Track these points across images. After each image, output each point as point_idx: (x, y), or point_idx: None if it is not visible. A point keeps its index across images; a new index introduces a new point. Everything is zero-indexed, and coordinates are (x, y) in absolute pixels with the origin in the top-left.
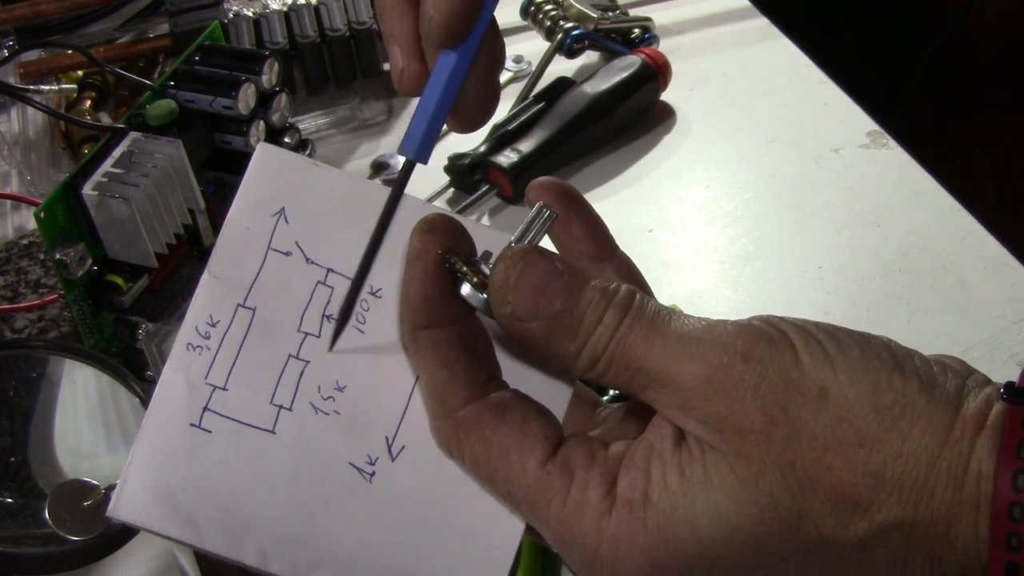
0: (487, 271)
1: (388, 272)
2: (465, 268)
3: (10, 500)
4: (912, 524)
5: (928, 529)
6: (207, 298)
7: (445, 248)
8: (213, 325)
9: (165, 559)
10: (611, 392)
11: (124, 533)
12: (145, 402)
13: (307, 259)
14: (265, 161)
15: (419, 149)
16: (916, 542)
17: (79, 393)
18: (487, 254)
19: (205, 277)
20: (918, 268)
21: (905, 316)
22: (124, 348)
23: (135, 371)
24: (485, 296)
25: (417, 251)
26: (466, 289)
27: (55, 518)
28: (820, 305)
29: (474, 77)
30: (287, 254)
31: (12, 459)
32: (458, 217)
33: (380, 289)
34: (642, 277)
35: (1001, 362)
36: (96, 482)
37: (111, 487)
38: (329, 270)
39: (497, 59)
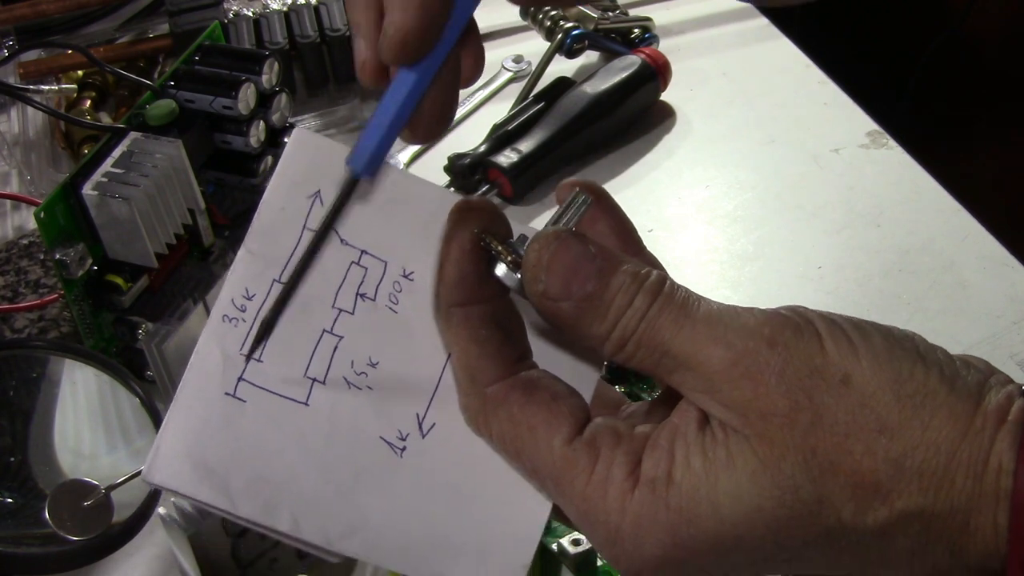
0: (522, 252)
1: (421, 255)
2: (500, 248)
3: (10, 500)
4: (932, 513)
5: (948, 518)
6: (243, 272)
7: (482, 228)
8: (249, 298)
9: (165, 559)
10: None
11: (124, 533)
12: (145, 402)
13: (342, 240)
14: (301, 146)
15: (367, 164)
16: (936, 531)
17: (79, 393)
18: (523, 237)
19: (242, 252)
20: (918, 268)
21: (905, 316)
22: (124, 348)
23: (135, 371)
24: (519, 276)
25: (454, 229)
26: (500, 269)
27: (55, 518)
28: (820, 305)
29: (432, 94)
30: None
31: (12, 459)
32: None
33: (412, 272)
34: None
35: (1001, 362)
36: (96, 482)
37: (111, 487)
38: (363, 251)
39: (460, 77)
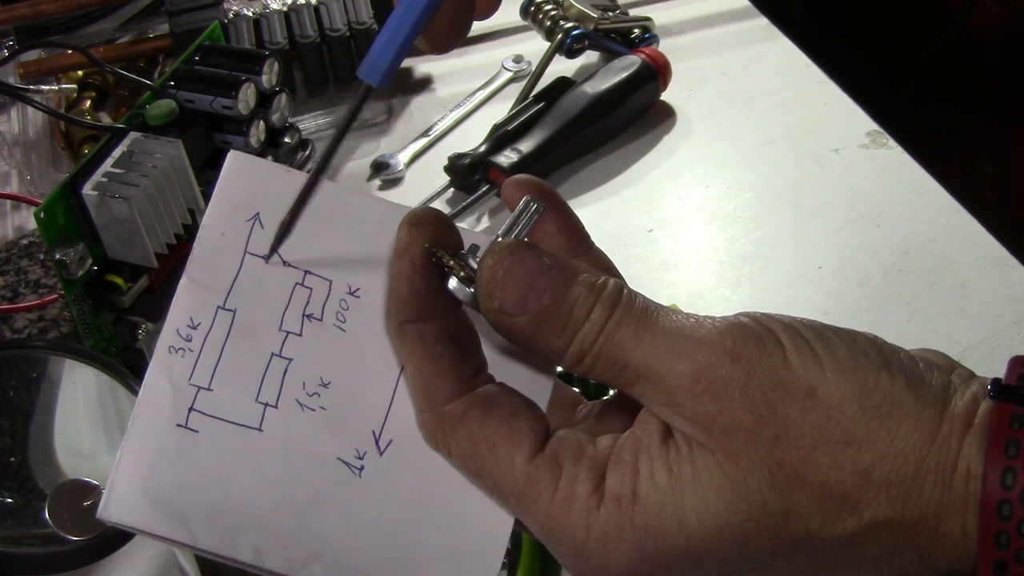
0: (474, 265)
1: (366, 272)
2: (452, 262)
3: (10, 500)
4: (900, 521)
5: (917, 526)
6: (186, 301)
7: (432, 242)
8: (194, 327)
9: (165, 559)
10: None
11: (124, 533)
12: None
13: (284, 262)
14: (237, 168)
15: (384, 75)
16: (904, 538)
17: (79, 393)
18: (474, 247)
19: (184, 281)
20: (918, 268)
21: (905, 316)
22: (124, 348)
23: (135, 371)
24: (472, 290)
25: (404, 244)
26: (453, 283)
27: (55, 518)
28: (820, 305)
29: (447, 2)
30: (264, 257)
31: (12, 459)
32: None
33: (358, 289)
34: (618, 273)
35: (1001, 362)
36: (96, 482)
37: None
38: (307, 272)
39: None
